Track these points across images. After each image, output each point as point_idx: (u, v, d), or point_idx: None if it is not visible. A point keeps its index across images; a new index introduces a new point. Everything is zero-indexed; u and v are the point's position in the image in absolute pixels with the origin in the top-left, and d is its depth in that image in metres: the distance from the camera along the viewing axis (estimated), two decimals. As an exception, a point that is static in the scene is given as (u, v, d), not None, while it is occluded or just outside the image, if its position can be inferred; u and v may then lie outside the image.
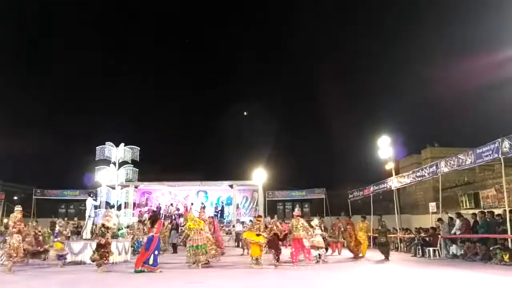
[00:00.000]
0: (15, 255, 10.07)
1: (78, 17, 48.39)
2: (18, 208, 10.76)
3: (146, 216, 25.08)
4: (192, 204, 25.13)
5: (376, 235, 14.47)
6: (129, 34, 53.67)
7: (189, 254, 11.05)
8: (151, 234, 10.55)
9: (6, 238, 10.60)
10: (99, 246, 10.32)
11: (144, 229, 16.57)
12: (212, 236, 12.53)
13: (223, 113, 56.88)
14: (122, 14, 53.84)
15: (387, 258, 13.38)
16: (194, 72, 57.03)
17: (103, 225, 10.73)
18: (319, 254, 12.42)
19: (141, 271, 9.90)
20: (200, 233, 11.12)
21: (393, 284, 8.48)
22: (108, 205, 18.15)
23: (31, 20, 45.94)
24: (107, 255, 10.33)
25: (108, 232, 10.68)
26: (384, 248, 13.73)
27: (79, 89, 49.25)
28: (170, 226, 19.18)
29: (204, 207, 15.95)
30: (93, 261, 10.38)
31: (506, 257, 11.18)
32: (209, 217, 14.93)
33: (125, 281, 8.85)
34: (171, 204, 25.77)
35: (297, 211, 12.75)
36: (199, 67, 55.86)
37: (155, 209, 24.09)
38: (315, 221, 13.35)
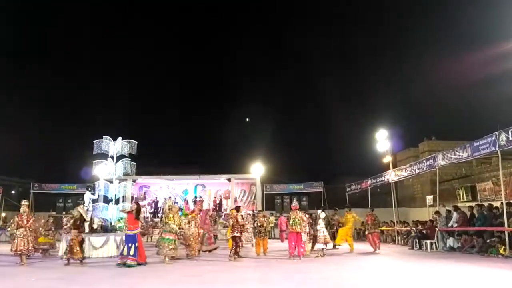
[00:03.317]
0: (20, 248, 10.24)
1: (76, 7, 48.06)
2: (24, 202, 11.04)
3: (144, 210, 25.14)
4: (195, 197, 25.23)
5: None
6: (127, 28, 53.39)
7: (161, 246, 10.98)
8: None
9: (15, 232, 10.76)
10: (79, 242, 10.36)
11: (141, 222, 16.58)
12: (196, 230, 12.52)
13: (221, 107, 56.90)
14: (122, 8, 53.59)
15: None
16: (193, 66, 56.90)
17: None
18: (322, 248, 12.34)
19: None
20: (168, 228, 11.03)
21: (390, 276, 8.53)
22: (106, 199, 18.15)
23: (22, 6, 45.52)
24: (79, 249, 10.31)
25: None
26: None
27: (77, 82, 49.14)
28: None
29: (202, 201, 15.96)
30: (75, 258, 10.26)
31: (501, 250, 11.25)
32: (204, 210, 14.95)
33: (123, 274, 8.87)
34: (169, 198, 25.76)
35: (294, 204, 12.66)
36: (197, 61, 55.79)
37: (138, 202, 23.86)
38: (322, 215, 12.78)
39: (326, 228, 12.77)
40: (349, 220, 14.70)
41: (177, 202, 24.73)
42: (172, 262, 10.57)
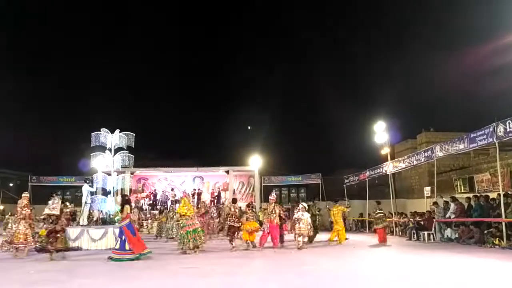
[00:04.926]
0: (22, 241, 10.25)
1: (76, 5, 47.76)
2: (25, 194, 11.13)
3: (143, 202, 25.14)
4: (197, 189, 25.21)
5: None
6: (128, 26, 53.10)
7: (181, 241, 10.94)
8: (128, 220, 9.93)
9: (14, 224, 10.80)
10: (54, 232, 9.97)
11: (140, 215, 16.61)
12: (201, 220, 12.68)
13: (220, 100, 56.82)
14: (125, 6, 53.30)
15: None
16: (194, 59, 56.77)
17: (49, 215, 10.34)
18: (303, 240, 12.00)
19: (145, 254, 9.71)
20: (191, 219, 10.90)
21: (389, 267, 8.57)
22: (104, 191, 18.17)
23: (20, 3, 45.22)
24: (55, 241, 9.92)
25: (60, 219, 10.33)
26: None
27: (75, 75, 48.93)
28: (166, 211, 19.25)
29: (200, 193, 15.99)
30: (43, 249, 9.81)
31: (496, 241, 11.31)
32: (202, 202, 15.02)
33: (122, 267, 8.87)
34: (172, 189, 25.83)
35: (273, 196, 12.56)
36: (198, 55, 55.56)
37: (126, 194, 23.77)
38: (303, 205, 12.56)
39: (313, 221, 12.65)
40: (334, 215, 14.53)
41: (175, 195, 24.81)
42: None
